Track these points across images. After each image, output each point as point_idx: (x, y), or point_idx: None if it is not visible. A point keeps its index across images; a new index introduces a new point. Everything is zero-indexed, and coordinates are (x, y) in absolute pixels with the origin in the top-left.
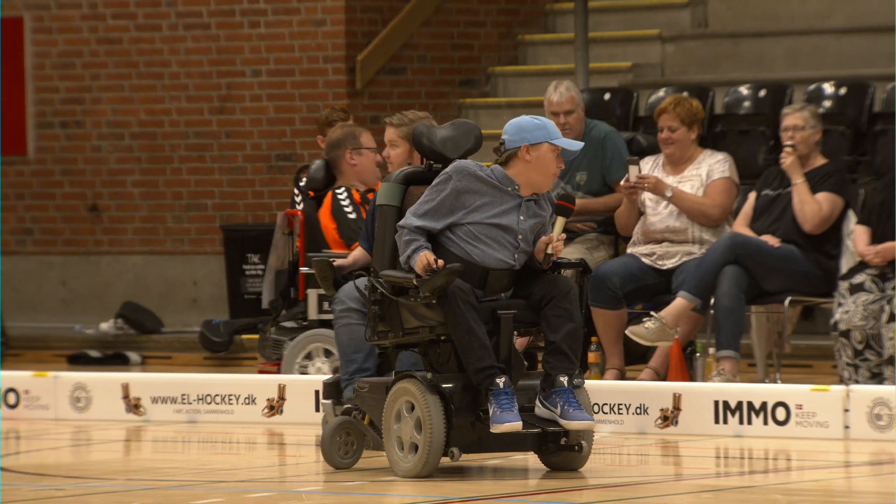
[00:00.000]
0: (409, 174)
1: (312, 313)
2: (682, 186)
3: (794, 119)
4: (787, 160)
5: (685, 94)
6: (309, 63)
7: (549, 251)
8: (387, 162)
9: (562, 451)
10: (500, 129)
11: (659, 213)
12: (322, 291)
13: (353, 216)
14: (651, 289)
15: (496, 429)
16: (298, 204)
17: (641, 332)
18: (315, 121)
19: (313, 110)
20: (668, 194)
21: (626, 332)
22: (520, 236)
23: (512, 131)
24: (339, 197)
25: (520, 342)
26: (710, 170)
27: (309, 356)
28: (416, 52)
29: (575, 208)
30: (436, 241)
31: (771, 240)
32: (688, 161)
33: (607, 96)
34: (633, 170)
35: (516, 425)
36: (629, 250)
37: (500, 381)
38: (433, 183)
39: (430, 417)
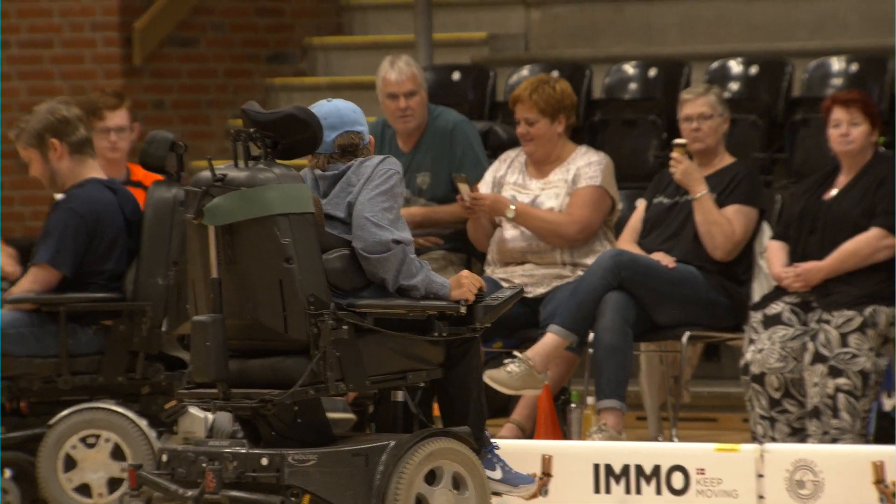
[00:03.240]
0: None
1: None
2: (546, 195)
3: (699, 105)
4: (679, 168)
5: (555, 73)
6: (72, 32)
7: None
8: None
9: None
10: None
11: (517, 230)
12: None
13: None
14: (513, 321)
15: (522, 492)
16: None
17: (502, 376)
18: (81, 106)
19: (78, 92)
20: (510, 215)
21: (484, 377)
22: None
23: (362, 119)
24: None
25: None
26: (577, 175)
27: None
28: (210, 17)
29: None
30: None
31: (664, 259)
32: (555, 161)
33: (457, 76)
34: (463, 189)
35: (533, 486)
36: (486, 272)
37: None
38: (379, 181)
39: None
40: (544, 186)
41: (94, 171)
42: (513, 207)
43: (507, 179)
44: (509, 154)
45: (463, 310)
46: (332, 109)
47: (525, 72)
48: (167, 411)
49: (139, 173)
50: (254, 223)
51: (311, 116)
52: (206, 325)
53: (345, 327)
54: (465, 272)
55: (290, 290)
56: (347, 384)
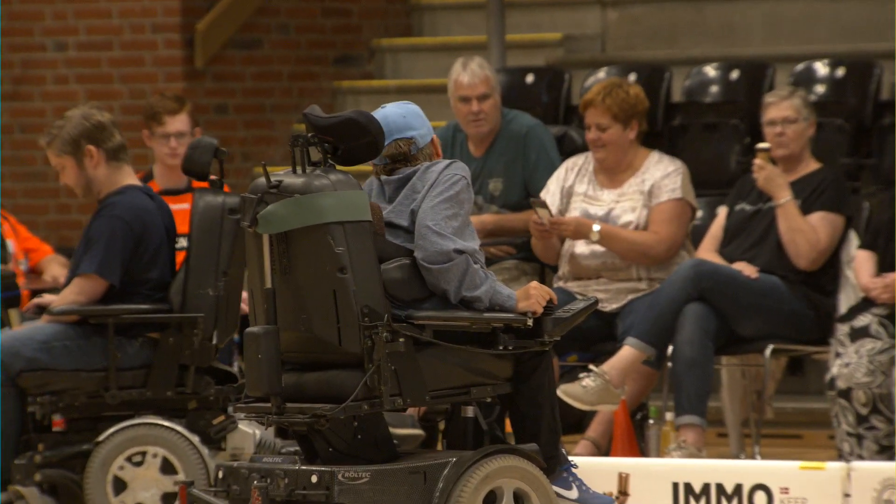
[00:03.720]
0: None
1: None
2: (621, 208)
3: (783, 109)
4: (762, 174)
5: (631, 77)
6: (132, 33)
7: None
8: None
9: None
10: None
11: (589, 246)
12: None
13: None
14: (589, 335)
15: None
16: None
17: (577, 391)
18: (140, 110)
19: (137, 97)
20: (595, 238)
21: (558, 391)
22: None
23: (417, 123)
24: None
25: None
26: (655, 187)
27: None
28: (275, 18)
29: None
30: None
31: (747, 269)
32: (627, 169)
33: (530, 78)
34: (542, 213)
35: None
36: (557, 284)
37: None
38: (443, 188)
39: None
40: (618, 198)
41: (131, 177)
42: (596, 230)
43: (576, 189)
44: (576, 161)
45: (530, 322)
46: (381, 118)
47: (601, 74)
48: (215, 427)
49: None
50: (308, 231)
51: (371, 121)
52: (259, 337)
53: (401, 340)
54: (534, 283)
55: (344, 300)
56: (405, 398)
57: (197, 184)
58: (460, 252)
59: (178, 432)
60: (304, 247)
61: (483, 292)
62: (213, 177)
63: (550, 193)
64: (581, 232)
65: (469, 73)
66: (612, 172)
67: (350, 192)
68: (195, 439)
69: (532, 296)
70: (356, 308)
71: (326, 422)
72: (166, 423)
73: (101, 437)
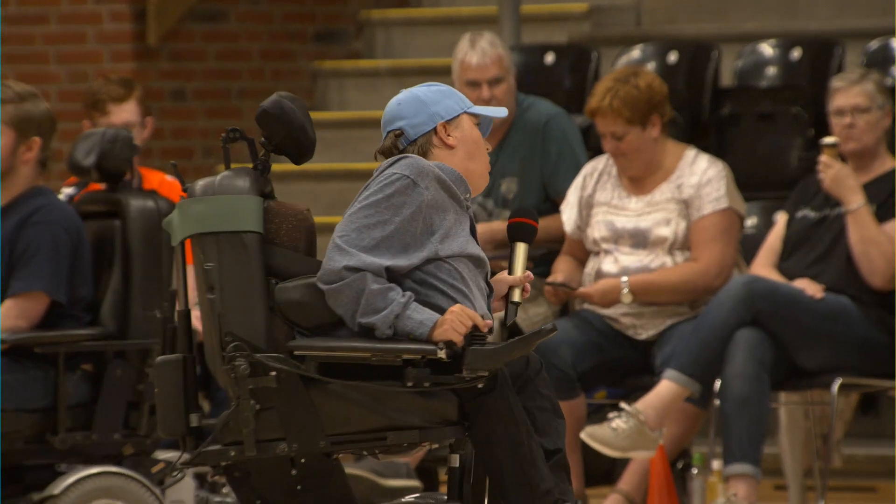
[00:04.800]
0: (256, 178)
1: None
2: (653, 220)
3: (854, 96)
4: (829, 174)
5: (672, 57)
6: (72, 4)
7: (518, 298)
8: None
9: None
10: (381, 109)
11: (619, 263)
12: None
13: None
14: (621, 366)
15: None
16: None
17: (605, 434)
18: (81, 97)
19: (78, 80)
20: (628, 300)
21: (583, 434)
22: (488, 275)
23: (410, 111)
24: None
25: (414, 456)
26: (696, 198)
27: None
28: None
29: (536, 225)
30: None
31: (810, 288)
32: (657, 170)
33: (550, 58)
34: (564, 291)
35: None
36: (584, 306)
37: None
38: (372, 191)
39: None
40: (648, 207)
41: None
42: (626, 291)
43: (598, 199)
44: (595, 165)
45: (441, 354)
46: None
47: (636, 53)
48: (155, 475)
49: (153, 180)
50: (193, 243)
51: (286, 111)
52: (160, 368)
53: (273, 374)
54: (457, 306)
55: (209, 325)
56: (290, 444)
57: (152, 184)
58: (353, 270)
59: (143, 484)
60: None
61: (380, 318)
62: (128, 177)
63: (568, 204)
64: (610, 299)
65: (479, 53)
66: (639, 178)
67: (230, 199)
68: (158, 492)
69: (447, 322)
70: (219, 334)
71: (236, 469)
72: (131, 474)
73: (56, 490)
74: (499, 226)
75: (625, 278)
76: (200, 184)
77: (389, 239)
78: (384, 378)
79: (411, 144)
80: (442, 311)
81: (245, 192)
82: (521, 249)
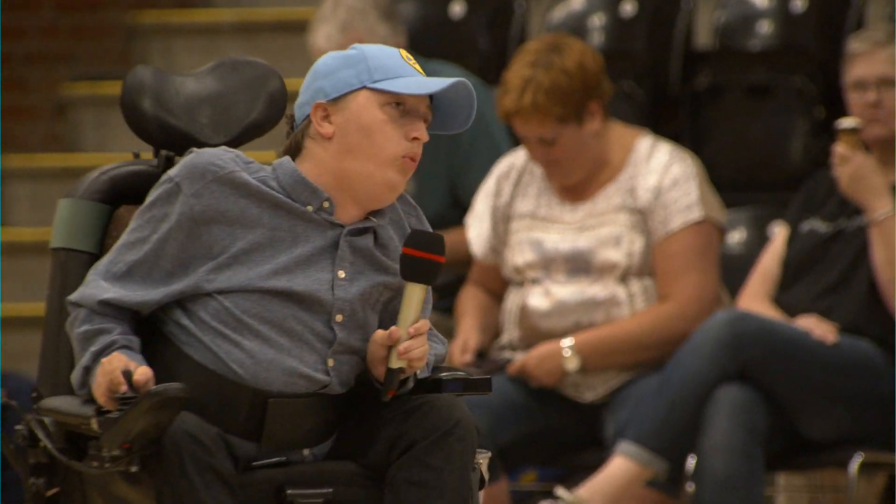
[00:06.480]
0: (120, 178)
1: None
2: (595, 237)
3: (879, 63)
4: (846, 170)
5: (627, 7)
6: None
7: (397, 363)
8: None
9: None
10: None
11: (551, 295)
12: None
13: None
14: (557, 437)
15: None
16: None
17: None
18: None
19: None
20: (573, 365)
21: None
22: (339, 317)
23: (304, 85)
24: None
25: None
26: (656, 205)
27: None
28: None
29: (442, 260)
30: (154, 333)
31: (819, 328)
32: (602, 168)
33: (459, 9)
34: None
35: None
36: (503, 354)
37: None
38: (146, 202)
39: None
40: (591, 220)
41: None
42: (569, 355)
43: (519, 209)
44: (512, 162)
45: (93, 424)
46: None
47: (577, 2)
48: None
49: None
50: None
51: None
52: None
53: (41, 445)
54: (106, 359)
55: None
56: None
57: None
58: (75, 305)
59: None
60: None
61: (75, 374)
62: None
63: (477, 216)
64: (552, 371)
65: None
66: (574, 184)
67: (74, 203)
68: None
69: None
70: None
71: None
72: None
73: None
74: None
75: (567, 341)
76: None
77: (143, 264)
78: None
79: (300, 132)
80: (188, 364)
81: (90, 197)
82: (414, 294)
